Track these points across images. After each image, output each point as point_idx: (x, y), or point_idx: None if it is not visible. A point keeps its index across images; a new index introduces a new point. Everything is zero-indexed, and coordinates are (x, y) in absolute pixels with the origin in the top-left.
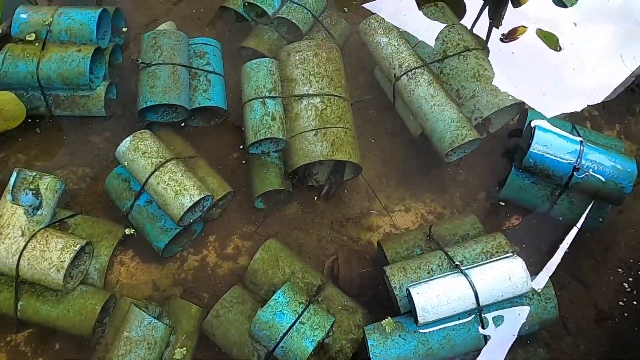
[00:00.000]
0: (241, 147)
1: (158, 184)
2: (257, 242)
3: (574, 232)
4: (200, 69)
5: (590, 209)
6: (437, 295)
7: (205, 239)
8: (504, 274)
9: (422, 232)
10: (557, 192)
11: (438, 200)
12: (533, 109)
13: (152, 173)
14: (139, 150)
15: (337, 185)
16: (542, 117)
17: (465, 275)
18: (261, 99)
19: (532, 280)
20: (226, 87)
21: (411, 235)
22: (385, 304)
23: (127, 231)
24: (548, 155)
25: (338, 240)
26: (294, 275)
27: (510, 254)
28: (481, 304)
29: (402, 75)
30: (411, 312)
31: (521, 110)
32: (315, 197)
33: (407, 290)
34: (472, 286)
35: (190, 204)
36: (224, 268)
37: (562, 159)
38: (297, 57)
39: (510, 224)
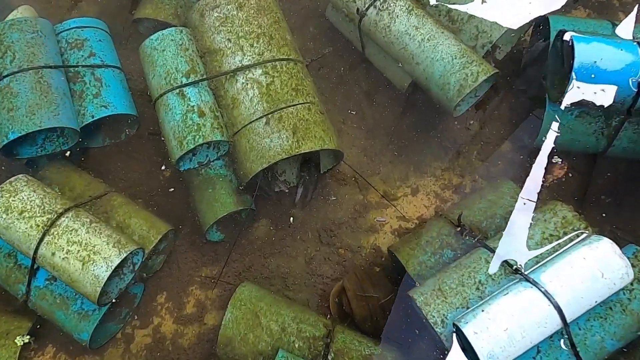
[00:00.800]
0: (163, 167)
1: (53, 254)
2: (225, 288)
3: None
4: (81, 66)
5: None
6: (505, 330)
7: (152, 301)
8: (593, 270)
9: (444, 221)
10: (616, 121)
11: (452, 167)
12: (554, 13)
13: (41, 240)
14: (12, 211)
15: (314, 183)
16: (569, 22)
17: (536, 284)
18: (177, 90)
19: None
20: (128, 81)
21: (433, 232)
22: (423, 330)
23: (17, 341)
24: (599, 76)
25: (333, 256)
26: (285, 332)
27: (586, 232)
28: (569, 321)
29: (368, 8)
30: (465, 349)
31: (536, 20)
32: (291, 219)
33: (456, 326)
34: (551, 300)
35: (109, 273)
36: (188, 336)
37: (619, 75)
38: (214, 17)
39: (554, 176)
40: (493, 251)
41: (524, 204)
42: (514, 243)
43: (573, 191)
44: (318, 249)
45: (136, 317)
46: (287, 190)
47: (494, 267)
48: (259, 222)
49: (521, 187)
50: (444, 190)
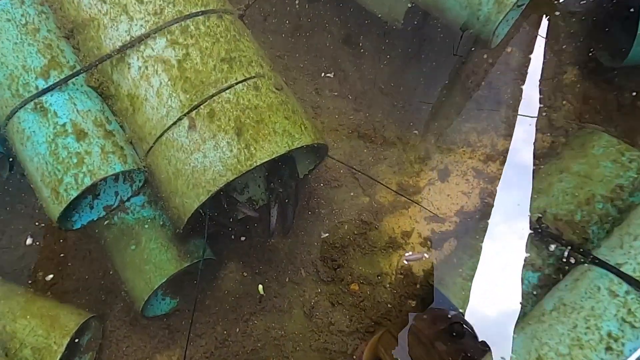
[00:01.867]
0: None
1: None
2: None
3: None
4: None
5: None
6: None
7: None
8: None
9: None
10: None
11: (493, 125)
12: None
13: None
14: None
15: (294, 196)
16: None
17: None
18: (32, 102)
19: None
20: None
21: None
22: None
23: None
24: None
25: (344, 297)
26: None
27: None
28: None
29: None
30: None
31: None
32: (260, 288)
33: None
34: None
35: None
36: None
37: None
38: None
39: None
40: (624, 275)
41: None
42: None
43: None
44: (319, 290)
45: None
46: (256, 215)
47: None
48: (225, 269)
49: (618, 139)
50: (488, 162)
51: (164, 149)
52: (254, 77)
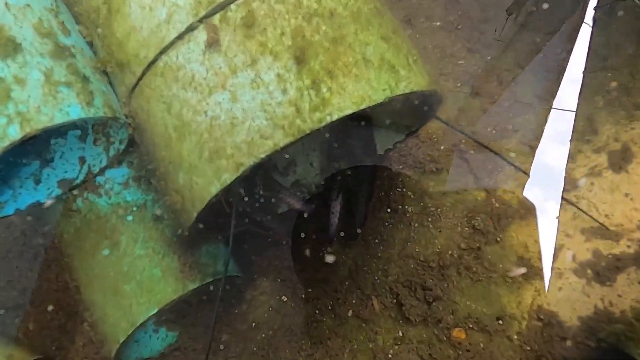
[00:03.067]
0: None
1: None
2: None
3: None
4: None
5: None
6: None
7: None
8: None
9: None
10: None
11: None
12: None
13: None
14: None
15: (367, 186)
16: None
17: None
18: None
19: None
20: None
21: None
22: None
23: None
24: None
25: (442, 348)
26: None
27: None
28: None
29: None
30: None
31: None
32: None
33: None
34: None
35: None
36: None
37: None
38: None
39: None
40: None
41: None
42: None
43: None
44: (401, 334)
45: None
46: (306, 209)
47: None
48: (254, 290)
49: None
50: None
51: (161, 83)
52: None
